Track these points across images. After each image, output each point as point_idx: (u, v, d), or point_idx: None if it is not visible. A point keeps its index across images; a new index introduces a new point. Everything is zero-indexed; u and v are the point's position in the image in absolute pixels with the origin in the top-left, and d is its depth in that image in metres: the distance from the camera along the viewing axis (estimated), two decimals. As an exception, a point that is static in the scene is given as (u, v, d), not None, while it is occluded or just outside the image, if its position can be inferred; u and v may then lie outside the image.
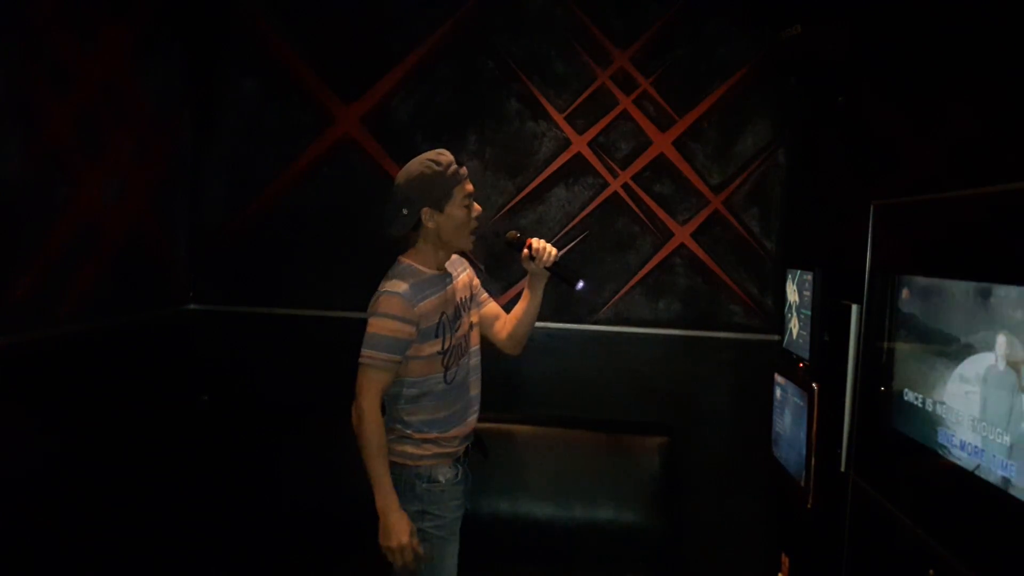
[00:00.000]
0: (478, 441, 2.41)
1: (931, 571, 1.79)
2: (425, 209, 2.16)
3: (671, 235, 3.37)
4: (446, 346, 2.20)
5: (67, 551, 2.57)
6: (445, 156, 2.20)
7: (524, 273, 3.30)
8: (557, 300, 3.38)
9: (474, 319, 2.36)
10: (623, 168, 3.37)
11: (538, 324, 3.32)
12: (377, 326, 2.12)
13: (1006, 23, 1.92)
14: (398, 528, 2.08)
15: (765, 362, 3.15)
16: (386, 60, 3.37)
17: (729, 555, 3.29)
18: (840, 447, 2.40)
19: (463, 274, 2.37)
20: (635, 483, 3.17)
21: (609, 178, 3.37)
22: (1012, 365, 1.60)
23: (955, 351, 1.82)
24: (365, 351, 2.12)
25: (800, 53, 3.13)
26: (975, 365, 1.73)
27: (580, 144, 3.37)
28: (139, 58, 2.95)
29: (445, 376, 2.21)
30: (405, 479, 2.18)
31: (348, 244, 3.33)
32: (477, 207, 2.25)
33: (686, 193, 3.36)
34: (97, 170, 2.72)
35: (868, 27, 2.73)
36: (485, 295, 2.45)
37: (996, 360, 1.65)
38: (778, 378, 2.98)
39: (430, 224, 2.18)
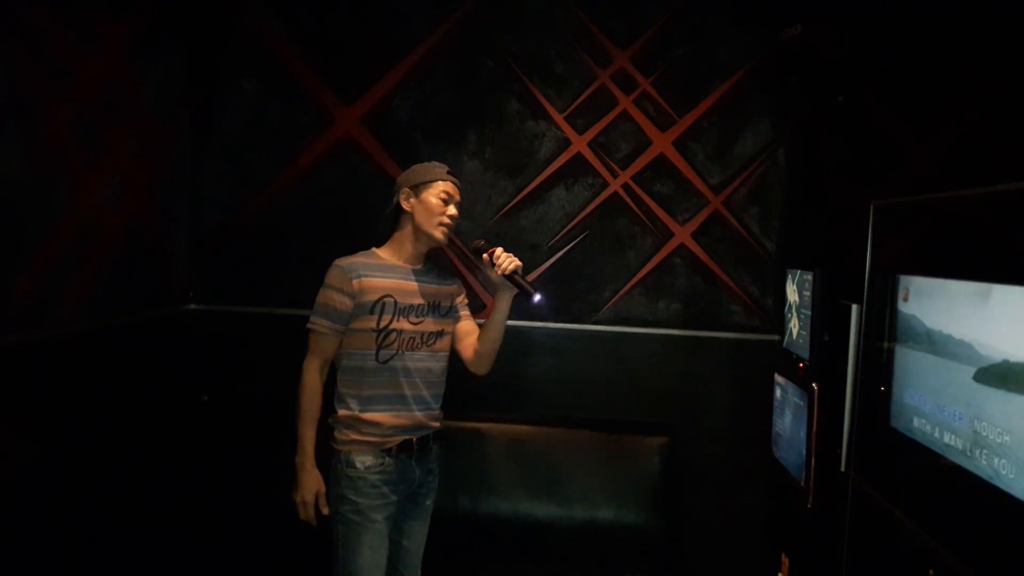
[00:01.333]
0: (439, 437, 2.43)
1: (931, 571, 1.80)
2: (405, 189, 2.36)
3: (671, 235, 3.37)
4: (381, 325, 2.29)
5: (67, 549, 2.58)
6: (439, 163, 2.40)
7: (528, 271, 3.35)
8: (558, 300, 3.38)
9: (448, 328, 2.44)
10: (623, 168, 3.37)
11: (538, 324, 3.39)
12: (320, 295, 2.31)
13: (1006, 23, 1.92)
14: (305, 485, 2.27)
15: (765, 362, 3.15)
16: (386, 60, 3.37)
17: (729, 555, 3.29)
18: (840, 447, 2.40)
19: (452, 285, 2.47)
20: (635, 483, 3.17)
21: (609, 178, 3.37)
22: (1011, 365, 1.60)
23: (955, 351, 1.82)
24: (311, 317, 2.31)
25: (800, 53, 3.14)
26: (975, 365, 1.73)
27: (580, 144, 3.37)
28: (139, 58, 2.95)
29: (377, 355, 2.29)
30: (333, 462, 2.32)
31: (348, 244, 3.31)
32: (454, 210, 2.35)
33: (686, 193, 3.36)
34: (97, 170, 2.72)
35: (868, 27, 2.73)
36: (466, 312, 2.50)
37: (995, 360, 1.65)
38: (778, 378, 2.99)
39: (406, 205, 2.35)
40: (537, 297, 2.34)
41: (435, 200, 2.33)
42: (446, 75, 3.38)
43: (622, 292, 3.38)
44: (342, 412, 2.31)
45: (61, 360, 2.57)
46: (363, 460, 2.28)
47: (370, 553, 2.26)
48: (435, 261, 2.46)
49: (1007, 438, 1.60)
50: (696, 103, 3.34)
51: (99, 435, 2.75)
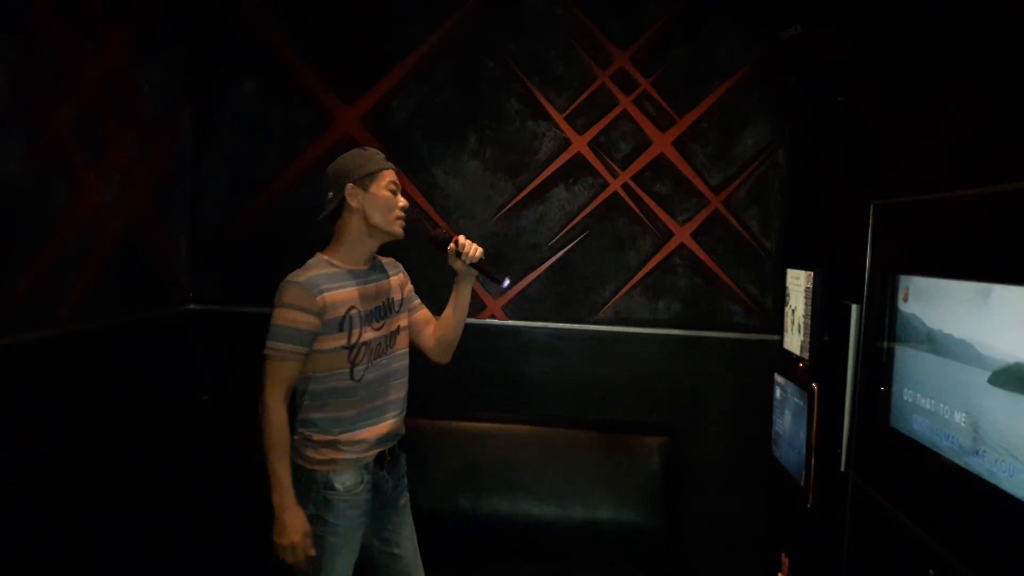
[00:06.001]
0: (402, 443, 2.32)
1: (931, 571, 1.80)
2: (349, 185, 2.15)
3: (671, 235, 3.37)
4: (353, 341, 2.15)
5: (67, 550, 2.58)
6: (372, 149, 2.24)
7: (528, 271, 3.35)
8: (558, 300, 3.38)
9: (403, 323, 2.31)
10: (623, 168, 3.37)
11: (538, 324, 3.39)
12: (278, 316, 2.10)
13: (1005, 23, 1.92)
14: (291, 526, 2.06)
15: (765, 362, 3.15)
16: (386, 60, 3.37)
17: (729, 555, 3.29)
18: (840, 447, 2.40)
19: (396, 276, 2.34)
20: (635, 483, 3.17)
21: (609, 178, 3.37)
22: (1012, 365, 1.60)
23: (955, 351, 1.82)
24: (268, 342, 2.11)
25: (800, 53, 3.14)
26: (976, 364, 1.73)
27: (580, 144, 3.37)
28: (139, 58, 2.95)
29: (352, 373, 2.15)
30: (303, 481, 2.14)
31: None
32: (403, 200, 2.21)
33: (686, 193, 3.36)
34: (97, 170, 2.72)
35: (868, 27, 2.73)
36: (417, 301, 2.40)
37: (996, 360, 1.65)
38: (778, 378, 2.99)
39: (354, 202, 2.16)
40: (506, 282, 2.20)
41: (386, 192, 2.17)
42: (446, 75, 3.38)
43: (622, 292, 3.38)
44: (317, 437, 2.15)
45: (61, 360, 2.57)
46: (343, 481, 2.15)
47: (344, 566, 2.18)
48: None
49: (1007, 437, 1.60)
50: (696, 103, 3.33)
51: (99, 435, 2.75)
